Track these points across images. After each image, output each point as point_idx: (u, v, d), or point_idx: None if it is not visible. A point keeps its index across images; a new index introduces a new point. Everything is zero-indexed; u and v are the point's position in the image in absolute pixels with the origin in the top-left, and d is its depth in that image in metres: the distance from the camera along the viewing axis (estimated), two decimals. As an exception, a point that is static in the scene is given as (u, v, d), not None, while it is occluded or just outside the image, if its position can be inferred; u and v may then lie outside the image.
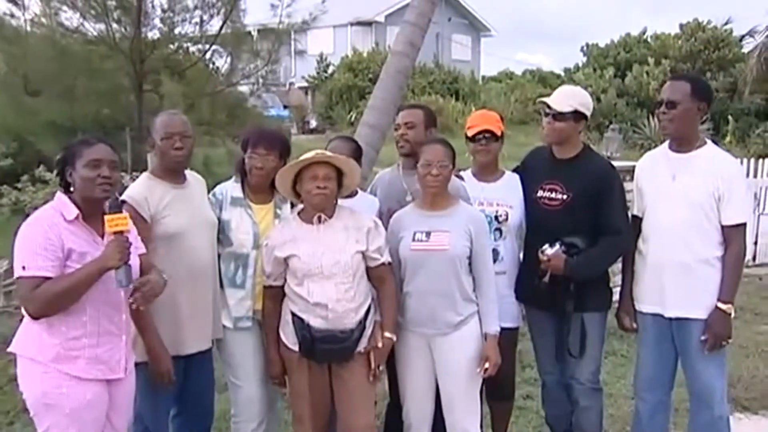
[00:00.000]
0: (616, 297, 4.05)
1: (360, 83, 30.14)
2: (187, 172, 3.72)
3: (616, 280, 4.07)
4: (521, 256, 4.10)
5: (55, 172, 2.99)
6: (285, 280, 3.54)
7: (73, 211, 2.89)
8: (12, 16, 14.14)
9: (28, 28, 14.45)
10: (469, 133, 4.04)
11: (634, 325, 3.95)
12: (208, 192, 3.82)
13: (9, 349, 2.95)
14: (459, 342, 3.60)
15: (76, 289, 2.78)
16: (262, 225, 3.73)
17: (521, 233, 4.09)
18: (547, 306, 3.93)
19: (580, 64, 35.98)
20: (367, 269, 3.54)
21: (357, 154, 3.90)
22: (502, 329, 3.69)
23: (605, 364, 4.62)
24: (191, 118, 13.83)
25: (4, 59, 14.06)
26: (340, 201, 3.60)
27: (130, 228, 2.98)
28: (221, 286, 3.72)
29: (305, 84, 33.66)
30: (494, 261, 3.82)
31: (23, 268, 2.72)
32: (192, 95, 13.39)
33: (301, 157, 3.44)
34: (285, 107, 30.60)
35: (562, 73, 36.87)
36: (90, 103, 12.76)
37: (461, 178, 4.02)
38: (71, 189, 2.96)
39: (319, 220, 3.51)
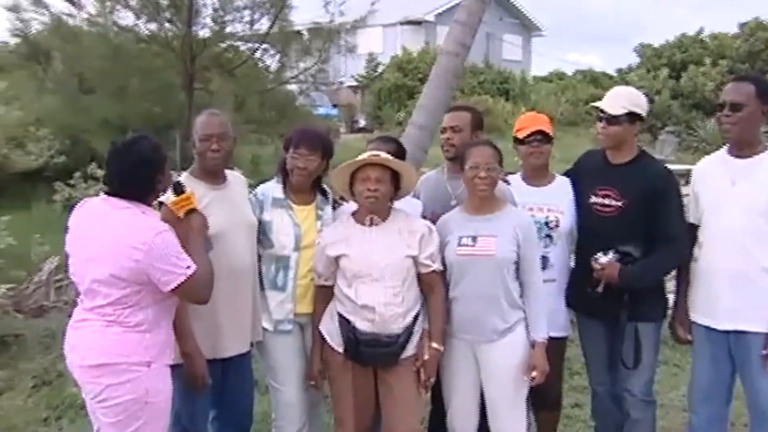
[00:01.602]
0: (671, 305, 3.90)
1: (409, 83, 30.02)
2: (228, 171, 3.69)
3: (670, 287, 3.92)
4: (572, 263, 3.98)
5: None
6: (335, 280, 3.53)
7: (158, 215, 3.11)
8: (70, 15, 14.42)
9: (85, 28, 14.71)
10: (520, 135, 3.92)
11: (689, 337, 3.77)
12: (250, 192, 3.80)
13: (99, 362, 2.94)
14: (505, 349, 3.51)
15: (209, 260, 3.13)
16: (304, 226, 3.68)
17: (572, 240, 3.97)
18: (600, 315, 3.80)
19: (633, 65, 35.33)
20: (418, 275, 3.49)
21: (399, 154, 3.81)
22: (550, 338, 3.59)
23: (657, 373, 4.46)
24: (240, 116, 13.92)
25: (62, 58, 14.34)
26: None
27: (196, 203, 3.23)
28: (261, 288, 3.69)
29: (354, 83, 33.67)
30: (544, 268, 3.73)
31: (188, 267, 2.93)
32: (242, 93, 13.47)
33: (357, 158, 3.43)
34: (334, 106, 30.71)
35: (615, 74, 36.26)
36: (141, 101, 12.93)
37: (507, 182, 3.92)
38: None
39: (371, 222, 3.49)
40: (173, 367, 3.20)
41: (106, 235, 2.93)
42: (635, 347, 3.72)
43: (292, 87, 15.10)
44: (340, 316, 3.47)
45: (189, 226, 3.18)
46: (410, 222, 3.53)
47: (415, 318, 3.47)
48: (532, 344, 3.51)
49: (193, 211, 3.20)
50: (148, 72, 12.97)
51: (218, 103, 12.99)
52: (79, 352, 3.00)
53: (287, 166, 3.69)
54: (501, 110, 26.12)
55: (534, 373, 3.48)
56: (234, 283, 3.48)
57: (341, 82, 34.61)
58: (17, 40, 15.76)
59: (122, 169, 3.00)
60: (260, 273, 3.68)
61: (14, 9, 14.08)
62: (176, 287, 2.93)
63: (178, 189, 3.20)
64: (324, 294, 3.58)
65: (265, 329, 3.68)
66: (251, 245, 3.62)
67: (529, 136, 3.89)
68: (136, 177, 3.00)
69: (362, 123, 31.21)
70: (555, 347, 3.72)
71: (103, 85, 13.48)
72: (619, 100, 3.75)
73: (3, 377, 5.33)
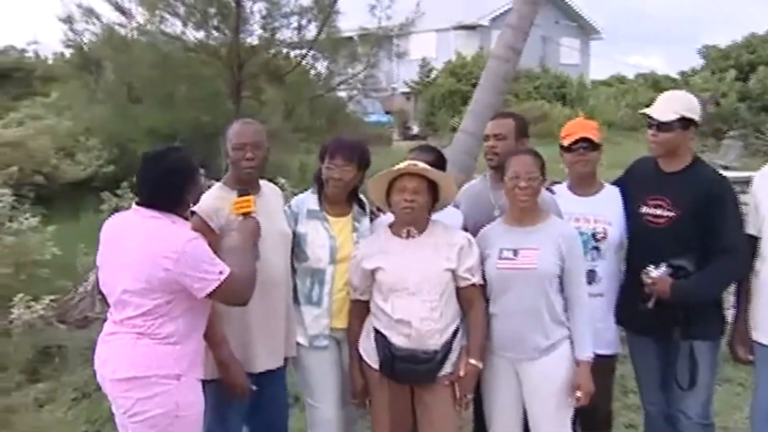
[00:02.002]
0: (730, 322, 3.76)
1: (463, 88, 29.89)
2: (263, 182, 3.69)
3: (729, 301, 3.80)
4: (622, 277, 3.86)
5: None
6: (372, 295, 3.51)
7: (189, 224, 3.17)
8: (120, 25, 14.76)
9: (134, 37, 15.05)
10: (565, 143, 3.83)
11: (750, 357, 3.62)
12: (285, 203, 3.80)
13: (129, 375, 2.97)
14: (548, 367, 3.43)
15: (254, 262, 3.20)
16: (340, 239, 3.65)
17: (622, 252, 3.85)
18: (652, 332, 3.68)
19: (698, 67, 34.59)
20: (457, 290, 3.44)
21: (439, 164, 3.75)
22: (598, 356, 3.49)
23: (718, 392, 4.30)
24: (289, 124, 14.11)
25: (112, 68, 14.69)
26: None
27: (255, 209, 3.33)
28: (297, 302, 3.67)
29: (407, 89, 33.73)
30: (591, 282, 3.64)
31: (221, 273, 2.96)
32: (290, 101, 13.61)
33: (394, 168, 3.40)
34: (386, 113, 30.83)
35: (678, 77, 35.55)
36: (189, 109, 13.17)
37: (552, 192, 3.84)
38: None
39: (408, 234, 3.46)
40: (204, 382, 3.20)
41: (136, 246, 2.98)
42: (690, 367, 3.58)
43: (343, 94, 15.16)
44: (376, 331, 3.43)
45: (241, 228, 3.27)
46: (449, 234, 3.48)
47: (454, 334, 3.40)
48: (577, 363, 3.42)
49: (249, 214, 3.30)
50: (196, 80, 13.21)
51: (267, 111, 13.17)
52: (110, 366, 3.03)
53: (322, 177, 3.68)
54: (558, 115, 25.86)
55: (578, 394, 3.38)
56: (267, 295, 3.45)
57: (394, 89, 34.85)
58: (71, 50, 16.23)
59: (152, 180, 3.06)
60: (295, 287, 3.67)
61: (68, 20, 14.50)
62: (211, 293, 2.97)
63: (243, 193, 3.34)
64: (360, 309, 3.55)
65: (300, 345, 3.67)
66: (285, 257, 3.61)
67: (574, 143, 3.79)
68: (165, 187, 3.04)
69: (415, 130, 31.21)
70: (603, 365, 3.62)
71: (152, 94, 13.79)
72: (670, 105, 3.62)
73: (44, 390, 5.43)
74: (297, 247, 3.66)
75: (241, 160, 3.46)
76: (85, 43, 15.49)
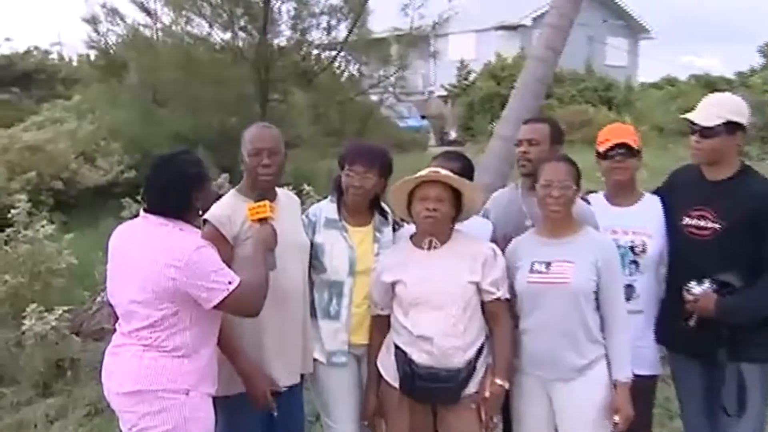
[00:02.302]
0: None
1: (503, 92, 29.71)
2: (280, 190, 3.69)
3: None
4: (662, 292, 3.78)
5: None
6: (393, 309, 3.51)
7: (199, 232, 3.20)
8: (145, 26, 14.98)
9: (159, 38, 15.26)
10: (601, 149, 3.77)
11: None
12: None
13: (135, 389, 2.99)
14: (583, 389, 3.37)
15: (266, 271, 3.18)
16: (359, 250, 3.65)
17: (662, 267, 3.79)
18: (695, 352, 3.60)
19: (757, 67, 34.04)
20: (482, 304, 3.41)
21: (464, 172, 3.72)
22: (638, 377, 3.43)
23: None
24: (319, 128, 14.17)
25: (136, 69, 14.91)
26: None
27: (273, 215, 3.34)
28: (314, 316, 3.66)
29: (445, 93, 33.72)
30: (629, 298, 3.59)
31: (230, 283, 2.98)
32: (320, 104, 13.67)
33: (416, 175, 3.39)
34: (422, 117, 30.84)
35: (734, 78, 35.02)
36: (215, 113, 13.31)
37: (587, 202, 3.79)
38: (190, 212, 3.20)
39: (430, 245, 3.44)
40: (216, 399, 3.20)
41: (142, 254, 3.00)
42: (738, 392, 3.48)
43: (374, 97, 15.20)
44: (397, 347, 3.41)
45: (255, 234, 3.28)
46: (473, 245, 3.45)
47: (479, 352, 3.37)
48: (615, 384, 3.36)
49: (265, 220, 3.30)
50: (222, 83, 13.33)
51: (295, 115, 13.23)
52: (116, 379, 3.05)
53: (342, 185, 3.68)
54: (602, 120, 25.61)
55: (616, 418, 3.32)
56: (283, 308, 3.45)
57: (430, 92, 34.94)
58: (95, 52, 16.51)
59: (159, 185, 3.08)
60: (313, 301, 3.67)
61: (92, 21, 14.75)
62: (219, 303, 2.98)
63: (260, 197, 3.35)
64: (381, 324, 3.54)
65: (317, 361, 3.66)
66: (302, 268, 3.60)
67: (611, 149, 3.74)
68: (172, 193, 3.06)
69: (453, 135, 31.18)
70: (642, 387, 3.55)
71: (176, 97, 13.98)
72: (714, 109, 3.53)
73: (55, 405, 5.49)
74: (315, 258, 3.65)
75: (258, 167, 3.45)
76: (109, 45, 15.74)
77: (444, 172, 3.42)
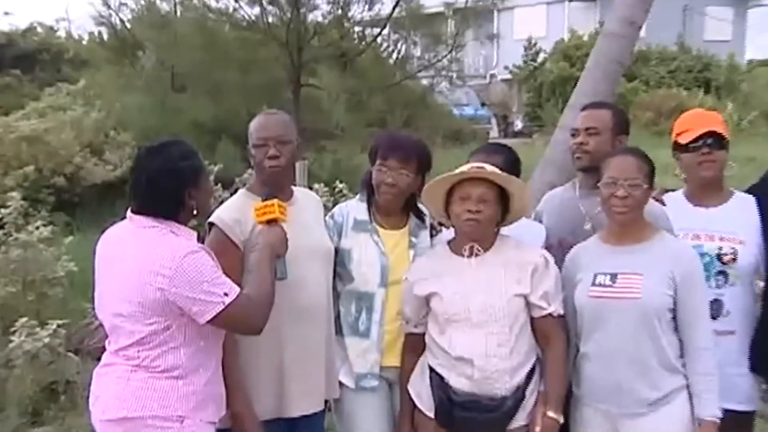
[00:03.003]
0: None
1: (577, 73, 29.58)
2: (298, 188, 3.73)
3: None
4: (758, 310, 3.72)
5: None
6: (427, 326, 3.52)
7: (194, 235, 3.18)
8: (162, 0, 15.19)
9: (178, 13, 15.46)
10: (683, 139, 3.74)
11: None
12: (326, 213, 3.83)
13: (120, 416, 3.00)
14: (658, 428, 3.32)
15: (272, 281, 3.19)
16: (393, 256, 3.67)
17: (758, 279, 3.75)
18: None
19: None
20: (532, 321, 3.41)
21: (511, 167, 3.72)
22: (728, 413, 3.37)
23: None
24: (359, 117, 14.18)
25: (151, 49, 15.13)
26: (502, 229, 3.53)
27: (283, 216, 3.33)
28: (340, 333, 3.69)
29: (509, 76, 33.63)
30: (716, 316, 3.56)
31: (226, 294, 2.97)
32: (361, 90, 13.71)
33: (455, 171, 3.39)
34: (483, 105, 30.83)
35: None
36: (240, 100, 13.45)
37: (662, 203, 3.75)
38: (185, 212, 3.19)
39: (471, 252, 3.43)
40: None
41: (127, 260, 3.00)
42: None
43: (425, 82, 15.21)
44: (432, 371, 3.41)
45: (262, 238, 3.28)
46: (521, 252, 3.44)
47: (528, 377, 3.36)
48: (699, 422, 3.30)
49: (275, 222, 3.30)
50: (248, 65, 13.48)
51: (332, 102, 13.30)
52: (100, 404, 3.06)
53: (373, 182, 3.69)
54: (698, 106, 25.25)
55: None
56: (302, 325, 3.47)
57: (492, 75, 34.87)
58: (105, 30, 16.79)
59: (146, 180, 3.06)
60: (338, 315, 3.69)
61: (101, -7, 15.02)
62: (213, 318, 2.96)
63: (269, 195, 3.34)
64: (414, 343, 3.55)
65: (343, 385, 3.68)
66: (325, 278, 3.62)
67: (696, 139, 3.69)
68: (162, 190, 3.05)
69: (519, 125, 31.15)
70: (735, 426, 3.49)
71: (197, 81, 14.17)
72: None
73: (46, 435, 5.53)
74: (340, 265, 3.67)
75: (264, 160, 3.48)
76: (121, 21, 16.00)
77: (488, 167, 3.41)
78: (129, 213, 3.12)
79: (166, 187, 3.05)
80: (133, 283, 2.96)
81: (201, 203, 3.18)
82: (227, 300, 2.96)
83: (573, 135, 3.85)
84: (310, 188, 8.23)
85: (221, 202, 3.69)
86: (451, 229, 3.57)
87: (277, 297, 3.31)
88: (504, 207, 3.43)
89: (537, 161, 8.33)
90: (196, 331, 3.03)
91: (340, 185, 8.42)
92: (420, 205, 3.78)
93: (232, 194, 3.76)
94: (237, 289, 3.00)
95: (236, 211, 3.47)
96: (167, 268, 2.91)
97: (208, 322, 2.97)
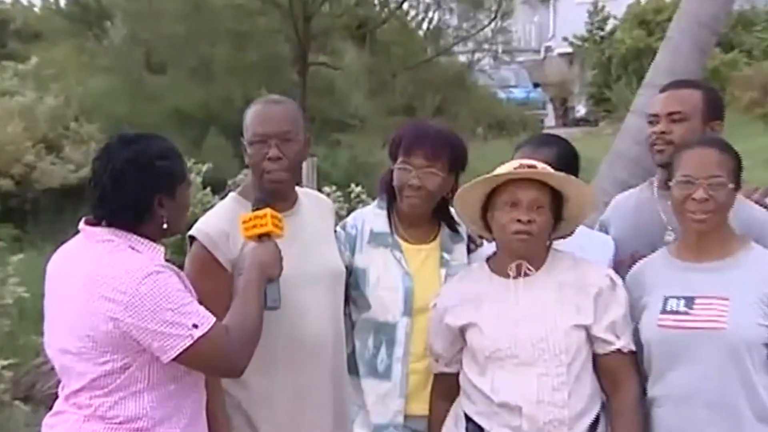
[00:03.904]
0: None
1: (657, 44, 29.39)
2: (303, 191, 3.74)
3: None
4: None
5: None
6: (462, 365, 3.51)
7: (161, 251, 3.13)
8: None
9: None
10: None
11: None
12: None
13: None
14: None
15: (259, 310, 3.15)
16: (419, 277, 3.68)
17: None
18: None
19: None
20: (594, 358, 3.40)
21: (567, 163, 3.69)
22: None
23: None
24: (381, 103, 14.28)
25: (122, 20, 15.22)
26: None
27: (279, 230, 3.30)
28: (355, 374, 3.71)
29: (569, 49, 33.55)
30: None
31: (195, 326, 2.92)
32: (383, 69, 13.72)
33: (495, 171, 3.37)
34: (536, 86, 30.76)
35: None
36: (232, 82, 13.49)
37: (764, 205, 3.75)
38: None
39: (519, 272, 3.41)
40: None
41: (75, 284, 2.98)
42: None
43: (462, 58, 15.20)
44: (469, 420, 3.41)
45: (249, 257, 3.25)
46: (580, 271, 3.42)
47: (593, 427, 3.36)
48: None
49: (267, 236, 3.27)
50: (243, 39, 13.53)
51: (347, 84, 13.32)
52: None
53: (394, 184, 3.70)
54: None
55: None
56: (304, 364, 3.49)
57: (548, 49, 34.79)
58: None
59: (108, 175, 3.01)
60: (352, 351, 3.72)
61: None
62: (179, 356, 2.92)
63: (260, 203, 3.32)
64: (446, 387, 3.55)
65: (359, 437, 3.71)
66: (333, 305, 3.62)
67: None
68: (124, 189, 3.00)
69: (581, 110, 31.05)
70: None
71: (179, 59, 14.21)
72: None
73: None
74: (354, 289, 3.69)
75: (263, 161, 3.46)
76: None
77: (540, 165, 3.39)
78: (82, 224, 3.08)
79: (133, 187, 2.99)
80: (82, 313, 2.92)
81: (173, 217, 3.14)
82: (197, 333, 2.91)
83: (651, 122, 3.86)
84: (320, 192, 8.29)
85: (208, 210, 3.73)
86: (492, 243, 3.57)
87: (271, 329, 3.33)
88: (557, 213, 3.42)
89: (604, 155, 8.32)
90: (163, 372, 2.98)
91: (357, 188, 8.43)
92: (454, 213, 3.78)
93: (223, 200, 3.78)
94: (211, 320, 2.96)
95: (224, 222, 3.46)
96: (121, 293, 2.87)
97: (173, 360, 2.93)
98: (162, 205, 3.06)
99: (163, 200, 3.06)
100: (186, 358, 2.92)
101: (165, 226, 3.11)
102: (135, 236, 3.03)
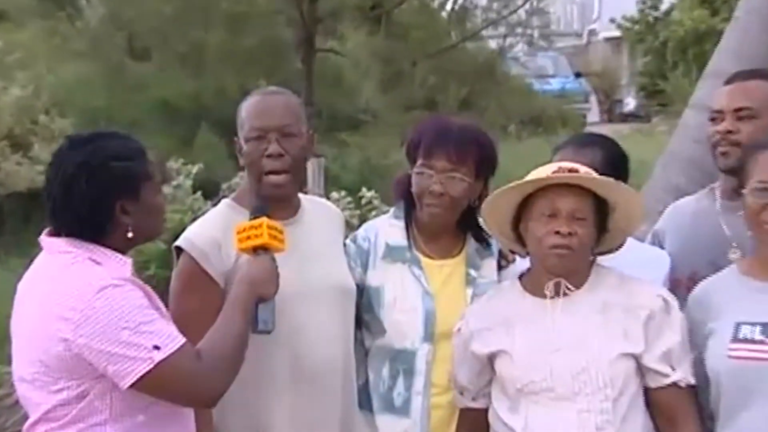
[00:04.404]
0: None
1: (721, 25, 29.28)
2: (306, 197, 3.76)
3: None
4: None
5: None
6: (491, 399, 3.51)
7: (127, 264, 3.13)
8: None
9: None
10: None
11: None
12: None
13: None
14: None
15: (243, 333, 3.12)
16: (442, 297, 3.70)
17: None
18: None
19: None
20: (646, 392, 3.39)
21: (613, 166, 3.70)
22: None
23: None
24: (398, 96, 14.37)
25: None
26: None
27: (280, 244, 3.29)
28: (368, 408, 3.72)
29: (617, 33, 33.55)
30: None
31: (155, 349, 2.89)
32: (399, 56, 13.74)
33: (529, 175, 3.36)
34: (577, 75, 30.75)
35: None
36: (226, 71, 13.50)
37: None
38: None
39: (557, 292, 3.40)
40: None
41: (31, 303, 3.00)
42: None
43: (492, 44, 15.23)
44: None
45: (240, 273, 3.27)
46: (628, 290, 3.41)
47: None
48: None
49: (264, 249, 3.27)
50: (239, 21, 13.55)
51: (358, 74, 13.35)
52: None
53: (413, 190, 3.71)
54: None
55: None
56: (306, 396, 3.51)
57: (592, 33, 34.78)
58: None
59: (59, 182, 3.03)
60: (365, 382, 3.73)
61: None
62: (137, 381, 2.90)
63: (257, 212, 3.32)
64: (472, 423, 3.56)
65: (372, 484, 3.71)
66: (343, 328, 3.64)
67: None
68: (77, 196, 3.01)
69: (630, 104, 31.03)
70: None
71: (165, 44, 14.24)
72: None
73: None
74: (367, 311, 3.71)
75: (261, 159, 3.49)
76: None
77: (583, 168, 3.37)
78: (43, 235, 3.11)
79: (87, 195, 3.00)
80: (35, 335, 2.95)
81: (140, 224, 3.13)
82: (157, 356, 2.89)
83: (714, 119, 3.85)
84: (328, 198, 8.26)
85: (197, 218, 3.74)
86: (526, 258, 3.56)
87: (268, 354, 3.38)
88: (601, 225, 3.40)
89: (657, 157, 8.29)
90: (128, 401, 2.97)
91: (369, 194, 8.43)
92: (482, 223, 3.76)
93: (215, 206, 3.79)
94: (178, 342, 2.94)
95: (216, 230, 3.49)
96: (72, 310, 2.87)
97: (131, 386, 2.91)
98: (125, 211, 3.07)
99: (125, 206, 3.06)
100: (146, 385, 2.91)
101: (130, 235, 3.11)
102: (98, 247, 3.04)
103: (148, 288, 3.07)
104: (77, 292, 2.88)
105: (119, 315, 2.87)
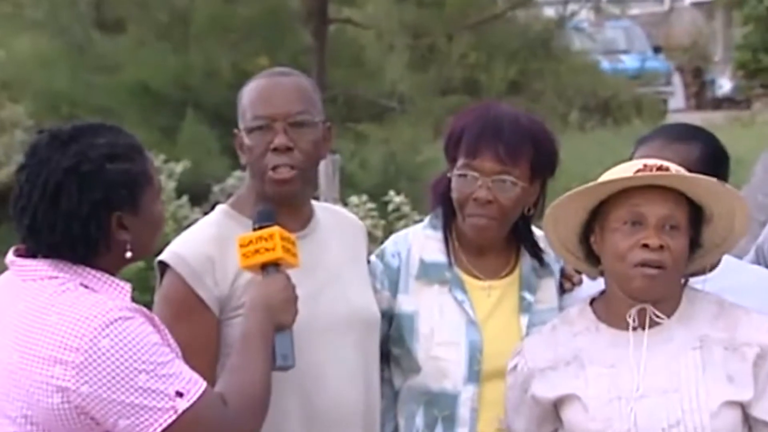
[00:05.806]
0: None
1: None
2: (321, 205, 3.82)
3: None
4: None
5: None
6: None
7: (126, 290, 3.09)
8: None
9: None
10: None
11: None
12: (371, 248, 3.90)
13: None
14: None
15: (267, 371, 3.17)
16: (491, 327, 3.72)
17: None
18: None
19: None
20: None
21: (711, 166, 3.66)
22: None
23: None
24: (430, 78, 14.54)
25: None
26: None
27: (292, 259, 3.32)
28: None
29: (707, -1, 33.51)
30: None
31: (179, 396, 2.89)
32: (431, 29, 13.79)
33: (605, 175, 3.32)
34: (657, 50, 30.65)
35: None
36: (219, 46, 13.56)
37: None
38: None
39: (641, 322, 3.37)
40: None
41: (7, 341, 2.96)
42: None
43: (550, 12, 15.27)
44: None
45: (251, 297, 3.30)
46: (732, 322, 3.37)
47: None
48: None
49: (275, 266, 3.30)
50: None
51: (380, 50, 13.41)
52: None
53: (454, 195, 3.73)
54: None
55: None
56: None
57: (674, -1, 34.65)
58: None
59: (40, 191, 2.97)
60: (395, 430, 3.77)
61: None
62: None
63: (263, 219, 3.33)
64: None
65: None
66: (365, 366, 3.66)
67: None
68: (62, 221, 2.96)
69: (725, 86, 30.95)
70: None
71: (142, 15, 14.33)
72: None
73: None
74: (397, 343, 3.75)
75: (266, 153, 3.52)
76: None
77: (674, 167, 3.35)
78: (11, 255, 3.07)
79: (78, 209, 2.94)
80: (14, 384, 2.91)
81: (139, 240, 3.10)
82: (181, 405, 2.89)
83: None
84: (345, 204, 8.26)
85: (186, 227, 3.77)
86: (599, 280, 3.54)
87: (275, 401, 3.33)
88: (693, 238, 3.37)
89: (759, 152, 8.30)
90: None
91: (397, 198, 8.48)
92: (536, 237, 3.81)
93: (206, 213, 3.80)
94: (201, 386, 2.95)
95: (209, 244, 3.52)
96: (72, 351, 2.83)
97: None
98: (123, 225, 3.03)
99: (123, 219, 3.03)
100: None
101: (129, 254, 3.08)
102: (87, 269, 3.00)
103: (156, 319, 3.05)
104: (77, 327, 2.83)
105: (133, 355, 2.85)
